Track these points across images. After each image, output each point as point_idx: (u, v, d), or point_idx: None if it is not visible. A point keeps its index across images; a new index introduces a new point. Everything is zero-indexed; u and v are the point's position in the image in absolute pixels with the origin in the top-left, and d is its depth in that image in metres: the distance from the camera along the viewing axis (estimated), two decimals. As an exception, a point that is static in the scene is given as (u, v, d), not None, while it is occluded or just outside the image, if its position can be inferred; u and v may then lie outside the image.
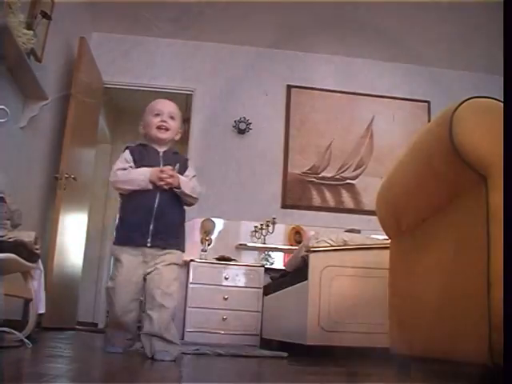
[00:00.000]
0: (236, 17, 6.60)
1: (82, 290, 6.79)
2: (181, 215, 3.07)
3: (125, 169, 2.95)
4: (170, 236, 2.95)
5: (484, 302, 1.69)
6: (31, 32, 4.22)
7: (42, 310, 3.45)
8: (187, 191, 2.95)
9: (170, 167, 2.91)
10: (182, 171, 3.01)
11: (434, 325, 2.25)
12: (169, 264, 2.89)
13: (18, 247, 2.96)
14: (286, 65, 7.36)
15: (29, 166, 5.06)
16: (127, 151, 3.03)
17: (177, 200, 2.99)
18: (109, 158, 9.00)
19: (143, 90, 7.09)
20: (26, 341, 2.83)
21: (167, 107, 3.10)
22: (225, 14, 6.53)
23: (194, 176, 3.10)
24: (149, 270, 2.87)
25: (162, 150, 3.07)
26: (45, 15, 4.66)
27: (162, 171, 2.86)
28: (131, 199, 2.95)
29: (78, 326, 6.38)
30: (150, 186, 2.88)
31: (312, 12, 6.40)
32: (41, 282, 3.42)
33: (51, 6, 5.03)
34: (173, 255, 2.93)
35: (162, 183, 2.86)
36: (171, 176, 2.88)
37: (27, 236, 3.09)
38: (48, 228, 5.46)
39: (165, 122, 3.04)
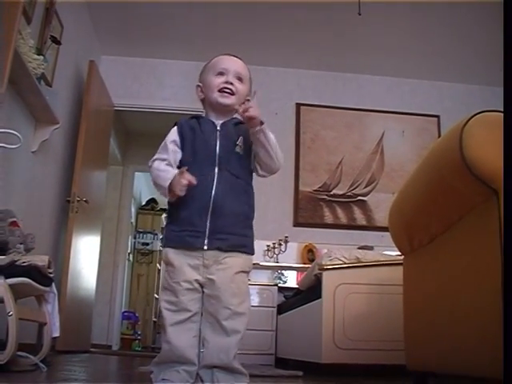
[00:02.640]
0: (245, 37, 6.64)
1: (95, 312, 6.80)
2: (248, 205, 2.29)
3: (163, 159, 2.26)
4: (235, 234, 2.21)
5: (499, 318, 1.67)
6: (41, 57, 4.26)
7: (56, 334, 3.45)
8: (270, 136, 2.27)
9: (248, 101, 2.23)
10: (247, 145, 2.31)
11: (450, 341, 2.24)
12: (237, 273, 2.17)
13: (32, 271, 2.97)
14: (294, 83, 7.39)
15: (41, 189, 5.08)
16: (174, 129, 2.34)
17: (244, 185, 2.28)
18: (120, 180, 9.05)
19: (153, 112, 7.13)
20: (41, 364, 2.83)
21: (234, 65, 2.38)
22: (233, 33, 6.57)
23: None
24: (210, 277, 2.14)
25: (219, 121, 2.33)
26: (54, 40, 4.71)
27: (182, 177, 2.07)
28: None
29: (92, 349, 6.37)
30: (170, 198, 2.17)
31: (318, 29, 6.43)
32: (55, 306, 3.42)
33: (61, 30, 5.09)
34: (239, 259, 2.20)
35: (180, 193, 2.10)
36: (253, 107, 2.17)
37: (41, 260, 3.09)
38: (61, 251, 5.48)
39: (230, 83, 2.32)
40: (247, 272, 2.24)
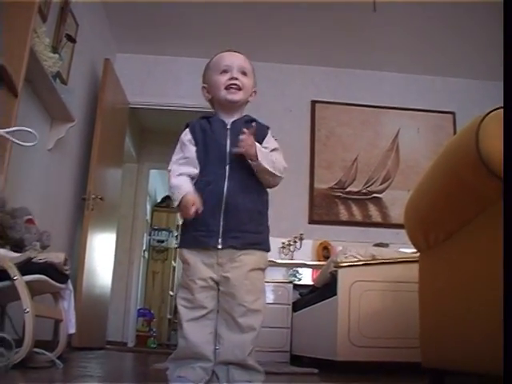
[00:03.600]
0: (259, 34, 6.64)
1: (111, 309, 6.82)
2: (261, 201, 2.31)
3: (186, 157, 2.27)
4: (249, 232, 2.21)
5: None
6: (57, 55, 4.28)
7: (72, 330, 3.46)
8: (266, 165, 2.20)
9: (245, 131, 2.17)
10: (258, 141, 2.26)
11: (466, 339, 2.23)
12: (251, 270, 2.18)
13: (48, 268, 2.98)
14: (309, 80, 7.37)
15: (56, 187, 5.10)
16: (187, 131, 2.34)
17: (255, 182, 2.26)
18: (135, 177, 9.07)
19: (168, 110, 7.15)
20: (57, 361, 2.84)
21: (237, 60, 2.37)
22: (247, 31, 6.56)
23: (274, 149, 2.35)
24: (225, 275, 2.16)
25: (230, 120, 2.34)
26: (70, 38, 4.73)
27: (192, 204, 2.09)
28: (196, 188, 2.20)
29: (107, 346, 6.40)
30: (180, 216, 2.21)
31: (333, 26, 6.42)
32: (71, 303, 3.44)
33: (76, 28, 5.11)
34: (254, 257, 2.20)
35: (186, 217, 2.14)
36: (244, 141, 2.15)
37: (56, 257, 3.10)
38: (76, 249, 5.50)
39: (236, 79, 2.32)
40: (263, 269, 2.24)
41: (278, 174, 2.27)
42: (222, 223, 2.16)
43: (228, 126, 2.31)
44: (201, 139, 2.28)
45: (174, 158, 2.29)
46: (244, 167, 2.22)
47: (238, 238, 2.17)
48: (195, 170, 2.22)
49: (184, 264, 2.22)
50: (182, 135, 2.32)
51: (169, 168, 2.26)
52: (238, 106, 2.36)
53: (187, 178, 2.22)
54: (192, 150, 2.26)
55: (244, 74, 2.35)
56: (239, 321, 2.12)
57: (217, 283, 2.17)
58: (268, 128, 2.39)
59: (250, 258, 2.19)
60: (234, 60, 2.36)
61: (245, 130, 2.14)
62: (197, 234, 2.18)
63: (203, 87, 2.41)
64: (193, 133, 2.30)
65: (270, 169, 2.21)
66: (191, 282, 2.16)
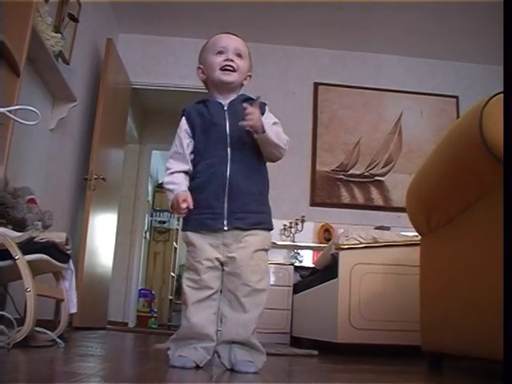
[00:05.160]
0: (262, 15, 6.60)
1: (112, 289, 6.85)
2: (262, 182, 2.34)
3: (178, 153, 2.29)
4: (252, 212, 2.24)
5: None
6: (59, 35, 4.27)
7: (73, 310, 3.47)
8: (272, 137, 2.23)
9: (247, 106, 2.17)
10: None
11: (465, 322, 2.23)
12: (256, 250, 2.22)
13: (50, 248, 2.98)
14: (312, 62, 7.34)
15: (58, 167, 5.11)
16: (183, 119, 2.36)
17: (256, 163, 2.31)
18: (137, 158, 9.07)
19: (171, 90, 7.13)
20: (59, 340, 2.86)
21: (233, 42, 2.39)
22: (250, 12, 6.52)
23: (275, 123, 2.34)
24: (230, 255, 2.20)
25: (226, 101, 2.36)
26: (72, 18, 4.71)
27: (183, 201, 2.13)
28: (194, 172, 2.27)
29: (108, 326, 6.43)
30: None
31: (337, 9, 6.38)
32: (72, 282, 3.44)
33: (78, 8, 5.09)
34: (258, 237, 2.24)
35: (179, 214, 2.21)
36: (251, 114, 2.15)
37: (58, 237, 3.11)
38: (78, 229, 5.51)
39: (231, 60, 2.34)
40: (266, 250, 2.30)
41: (283, 146, 2.31)
42: (226, 205, 2.20)
43: (225, 108, 2.34)
44: (199, 124, 2.31)
45: (171, 150, 2.33)
46: (245, 148, 2.26)
47: (243, 218, 2.21)
48: (187, 166, 2.28)
49: (189, 246, 2.26)
50: (180, 124, 2.36)
51: (166, 164, 2.32)
52: (232, 87, 2.38)
53: (181, 175, 2.27)
54: (185, 144, 2.29)
55: (239, 56, 2.37)
56: (243, 300, 2.16)
57: (221, 264, 2.21)
58: (265, 104, 2.40)
59: (255, 238, 2.23)
60: (230, 42, 2.38)
61: (247, 105, 2.15)
62: (202, 216, 2.21)
63: (198, 67, 2.45)
64: (188, 120, 2.34)
65: (275, 140, 2.25)
66: (197, 263, 2.19)
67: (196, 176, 2.26)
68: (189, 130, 2.32)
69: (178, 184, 2.23)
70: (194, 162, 2.29)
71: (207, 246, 2.20)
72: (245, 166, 2.25)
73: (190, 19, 6.78)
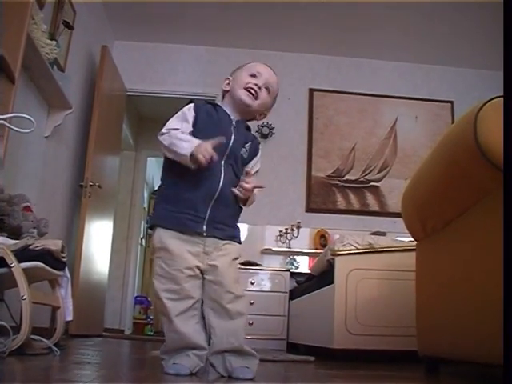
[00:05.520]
0: (257, 22, 6.61)
1: (108, 297, 6.83)
2: (237, 199, 2.32)
3: (186, 120, 2.28)
4: (229, 226, 2.29)
5: None
6: (54, 42, 4.27)
7: (69, 318, 3.46)
8: (247, 205, 2.36)
9: (253, 180, 2.26)
10: (251, 157, 2.39)
11: (462, 327, 2.23)
12: (234, 258, 2.27)
13: (45, 255, 2.98)
14: (307, 68, 7.35)
15: (54, 174, 5.10)
16: (191, 105, 2.34)
17: (237, 181, 2.30)
18: (133, 165, 9.07)
19: (166, 97, 7.13)
20: (54, 348, 2.85)
21: (269, 75, 2.42)
22: (246, 19, 6.54)
23: (257, 171, 2.43)
24: (211, 263, 2.19)
25: (234, 118, 2.38)
26: (67, 25, 4.71)
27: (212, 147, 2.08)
28: (188, 170, 2.14)
29: (104, 333, 6.41)
30: (191, 165, 2.11)
31: (332, 15, 6.39)
32: (68, 290, 3.44)
33: (73, 15, 5.09)
34: (234, 247, 2.28)
35: (203, 161, 2.05)
36: (247, 191, 2.26)
37: (54, 244, 3.10)
38: (74, 236, 5.50)
39: (258, 87, 2.36)
40: (238, 259, 2.33)
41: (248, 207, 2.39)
42: (209, 212, 2.20)
43: (233, 123, 2.35)
44: (204, 122, 2.30)
45: (172, 126, 2.25)
46: (235, 166, 2.30)
47: (222, 230, 2.24)
48: (197, 140, 2.17)
49: (162, 252, 2.23)
50: (185, 109, 2.33)
51: (163, 131, 2.23)
52: (246, 111, 2.40)
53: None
54: (188, 129, 2.25)
55: (268, 89, 2.41)
56: (228, 307, 2.16)
57: (202, 272, 2.20)
58: (259, 143, 2.50)
59: (233, 247, 2.28)
60: (267, 74, 2.43)
61: (249, 179, 2.26)
62: (182, 216, 2.19)
63: (227, 78, 2.47)
64: (197, 112, 2.31)
65: (246, 206, 2.36)
66: (177, 272, 2.17)
67: (185, 171, 2.17)
68: (193, 120, 2.29)
69: (191, 138, 2.16)
70: None
71: (187, 254, 2.18)
72: (231, 181, 2.27)
73: (185, 26, 6.79)
